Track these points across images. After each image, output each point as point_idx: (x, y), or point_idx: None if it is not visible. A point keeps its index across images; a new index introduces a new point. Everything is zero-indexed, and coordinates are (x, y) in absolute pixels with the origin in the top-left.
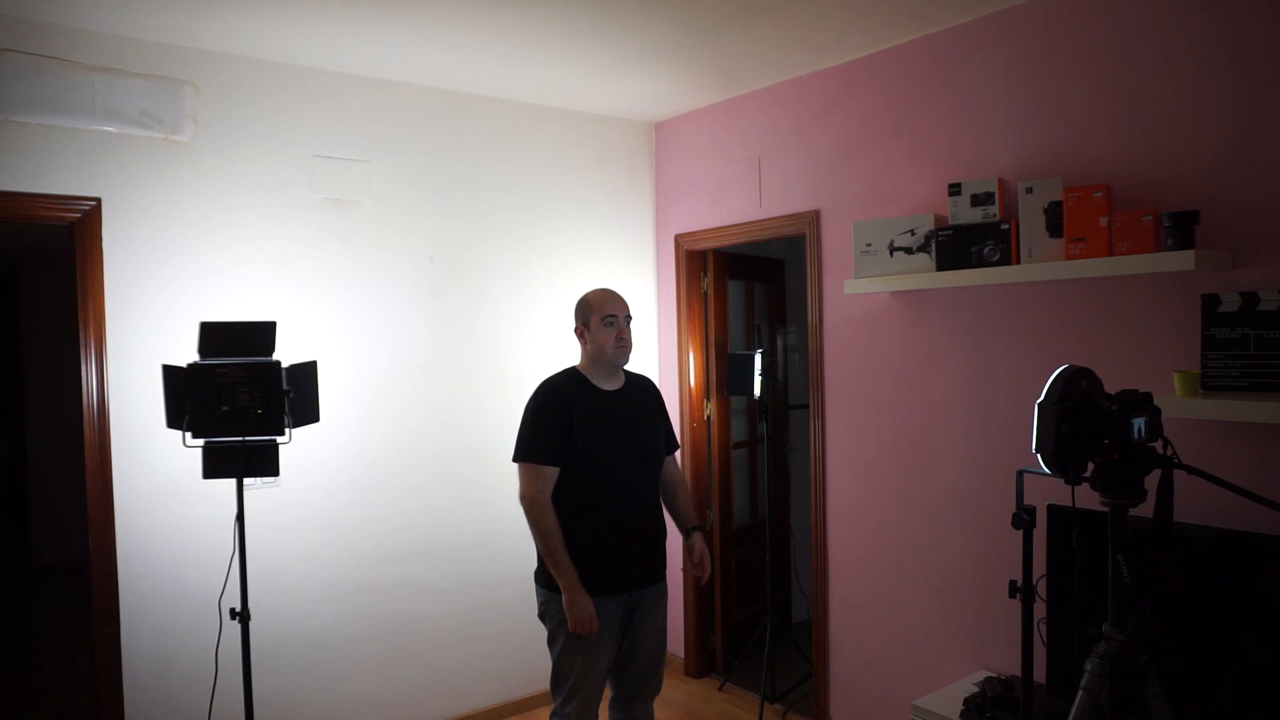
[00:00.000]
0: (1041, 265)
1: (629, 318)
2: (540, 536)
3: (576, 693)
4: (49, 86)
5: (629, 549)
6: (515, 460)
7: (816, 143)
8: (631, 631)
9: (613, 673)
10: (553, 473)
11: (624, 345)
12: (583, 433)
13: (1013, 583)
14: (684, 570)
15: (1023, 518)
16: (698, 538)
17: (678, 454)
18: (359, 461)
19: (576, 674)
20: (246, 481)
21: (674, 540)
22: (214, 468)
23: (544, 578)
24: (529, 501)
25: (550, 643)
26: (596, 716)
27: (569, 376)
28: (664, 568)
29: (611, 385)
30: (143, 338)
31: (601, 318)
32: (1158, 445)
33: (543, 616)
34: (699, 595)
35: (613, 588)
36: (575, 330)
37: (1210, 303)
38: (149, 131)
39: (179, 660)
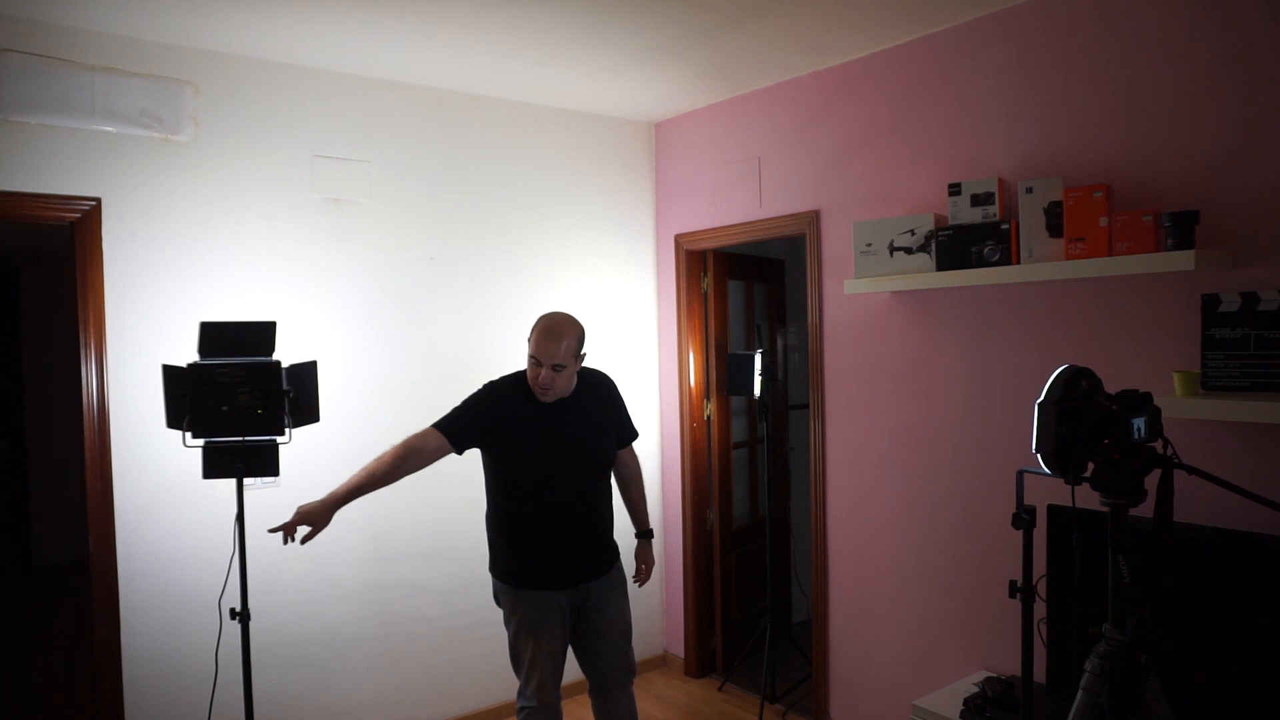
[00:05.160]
0: (1041, 265)
1: (556, 366)
2: (374, 461)
3: (533, 675)
4: (49, 86)
5: (573, 548)
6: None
7: (816, 143)
8: (589, 623)
9: (583, 664)
10: (442, 444)
11: (541, 388)
12: (523, 435)
13: (1013, 583)
14: (684, 558)
15: (1023, 518)
16: (644, 547)
17: (640, 447)
18: (359, 461)
19: (530, 657)
20: (246, 481)
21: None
22: (214, 468)
23: (496, 567)
24: (405, 444)
25: (505, 624)
26: (557, 697)
27: (516, 382)
28: (612, 558)
29: None
30: (143, 338)
31: (530, 355)
32: (1158, 445)
33: (496, 602)
34: (699, 595)
35: (558, 584)
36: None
37: (1210, 303)
38: (149, 131)
39: (179, 660)
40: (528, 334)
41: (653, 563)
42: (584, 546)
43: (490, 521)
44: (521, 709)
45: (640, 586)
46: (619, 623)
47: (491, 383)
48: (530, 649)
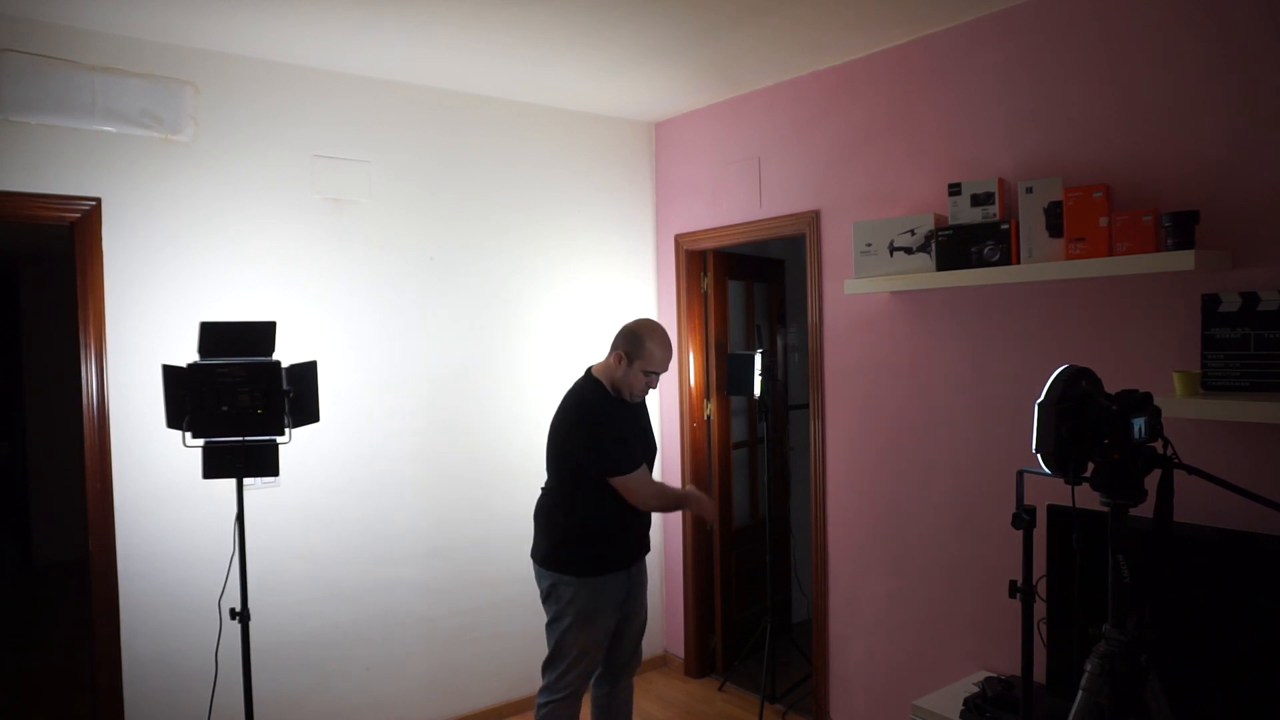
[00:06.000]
0: (1042, 265)
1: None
2: (662, 503)
3: (576, 666)
4: (49, 86)
5: (636, 532)
6: (617, 475)
7: (816, 143)
8: (624, 608)
9: (606, 649)
10: (646, 470)
11: (647, 393)
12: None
13: (1013, 583)
14: (684, 558)
15: (1023, 518)
16: None
17: None
18: (359, 461)
19: (580, 648)
20: (246, 481)
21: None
22: (214, 468)
23: (551, 561)
24: (649, 498)
25: (553, 622)
26: (587, 687)
27: (599, 388)
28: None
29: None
30: (143, 338)
31: (646, 369)
32: (1158, 445)
33: (548, 598)
34: (699, 595)
35: (623, 564)
36: (615, 354)
37: (1210, 303)
38: (149, 131)
39: (179, 660)
40: (624, 346)
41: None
42: (644, 527)
43: (565, 515)
44: (546, 703)
45: None
46: (645, 611)
47: (595, 400)
48: (582, 640)
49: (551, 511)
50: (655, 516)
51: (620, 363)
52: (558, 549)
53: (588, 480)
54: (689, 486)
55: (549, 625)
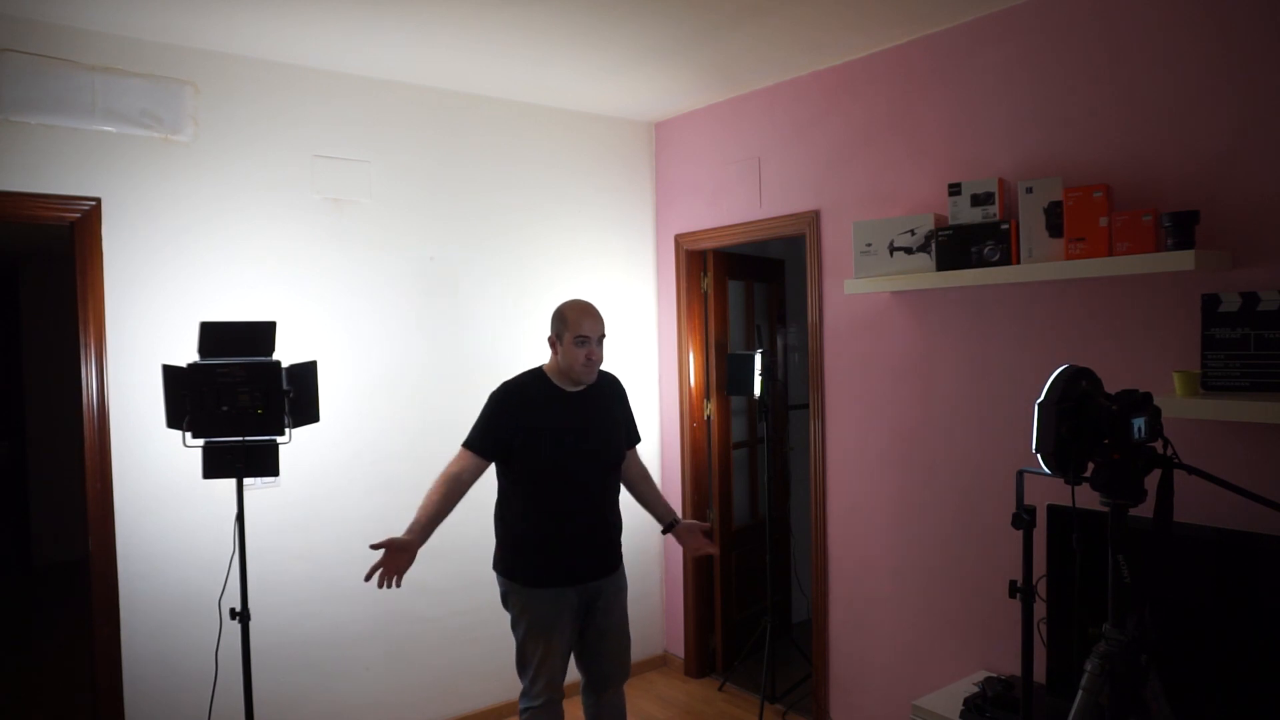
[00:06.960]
0: (1041, 265)
1: (602, 337)
2: (427, 496)
3: (541, 674)
4: (49, 86)
5: (584, 543)
6: (463, 444)
7: (816, 143)
8: (594, 623)
9: (582, 663)
10: (479, 463)
11: (591, 365)
12: (539, 431)
13: (1013, 583)
14: (684, 558)
15: (1023, 518)
16: (684, 529)
17: (640, 448)
18: (359, 461)
19: (539, 658)
20: (246, 481)
21: (641, 532)
22: (214, 468)
23: (502, 565)
24: (446, 474)
25: (513, 628)
26: (562, 692)
27: (533, 376)
28: (619, 560)
29: (574, 387)
30: (143, 338)
31: (574, 336)
32: (1158, 445)
33: (504, 604)
34: (699, 595)
35: (568, 580)
36: (549, 339)
37: (1210, 303)
38: (149, 131)
39: (179, 660)
40: (553, 329)
41: (700, 528)
42: (598, 540)
43: (505, 517)
44: (525, 709)
45: (712, 553)
46: (623, 624)
47: (504, 384)
48: (540, 650)
49: (497, 510)
50: (627, 523)
51: (555, 346)
52: (502, 553)
53: (516, 476)
54: (406, 539)
55: (511, 629)
